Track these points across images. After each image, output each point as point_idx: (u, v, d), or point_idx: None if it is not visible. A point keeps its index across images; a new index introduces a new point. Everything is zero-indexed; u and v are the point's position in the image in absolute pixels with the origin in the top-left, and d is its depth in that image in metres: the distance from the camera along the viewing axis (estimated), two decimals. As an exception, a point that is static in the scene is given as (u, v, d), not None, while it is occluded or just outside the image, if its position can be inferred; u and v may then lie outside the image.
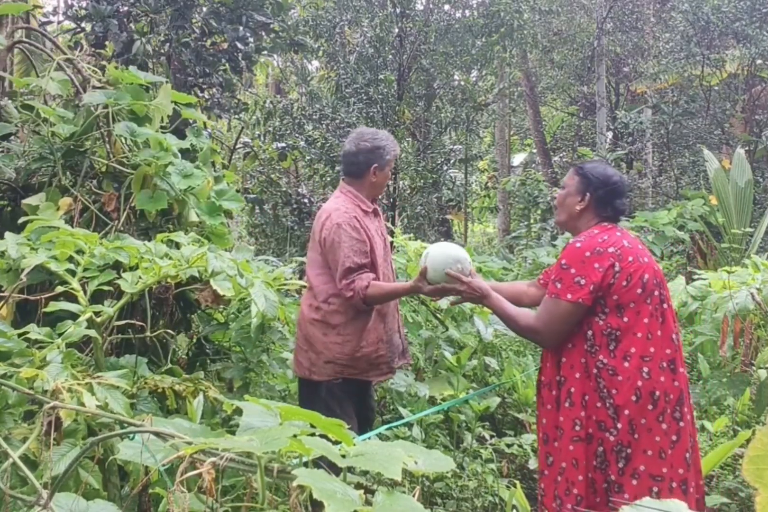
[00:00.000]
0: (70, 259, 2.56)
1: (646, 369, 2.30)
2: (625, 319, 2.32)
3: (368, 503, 1.05)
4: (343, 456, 1.13)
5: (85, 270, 2.54)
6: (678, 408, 2.34)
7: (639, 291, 2.33)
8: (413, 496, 1.09)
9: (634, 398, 2.29)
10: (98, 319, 2.47)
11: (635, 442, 2.28)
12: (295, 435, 1.13)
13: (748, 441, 3.91)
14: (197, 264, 2.61)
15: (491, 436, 3.87)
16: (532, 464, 3.67)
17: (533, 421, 4.19)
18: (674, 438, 2.31)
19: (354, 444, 1.18)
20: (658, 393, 2.30)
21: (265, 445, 1.09)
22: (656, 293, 2.37)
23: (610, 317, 2.32)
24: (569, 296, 2.32)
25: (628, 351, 2.31)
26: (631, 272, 2.33)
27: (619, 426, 2.29)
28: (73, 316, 2.43)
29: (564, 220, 2.62)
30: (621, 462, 2.29)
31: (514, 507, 2.87)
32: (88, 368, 2.49)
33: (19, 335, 2.31)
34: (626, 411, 2.29)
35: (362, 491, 1.06)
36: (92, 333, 2.36)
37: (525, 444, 3.83)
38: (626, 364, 2.30)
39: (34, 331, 2.32)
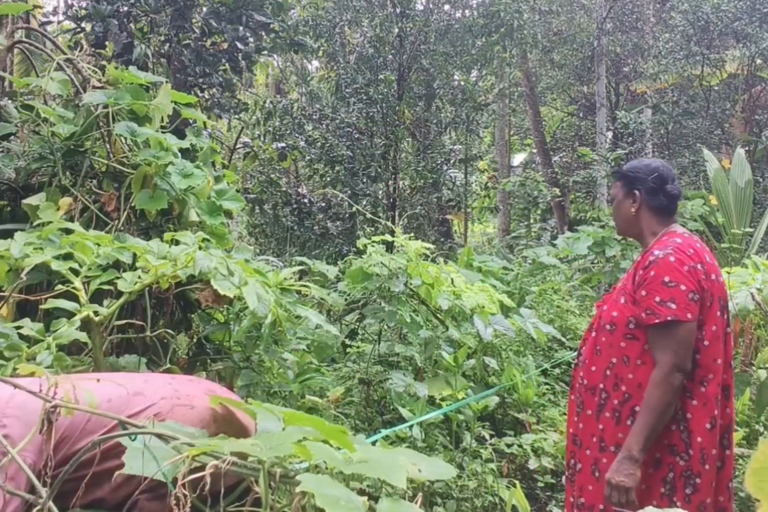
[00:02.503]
0: (72, 258, 2.57)
1: (720, 397, 2.17)
2: (706, 343, 2.15)
3: (371, 509, 1.04)
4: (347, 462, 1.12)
5: (88, 269, 2.55)
6: (726, 436, 2.23)
7: (718, 313, 2.19)
8: (416, 503, 1.08)
9: (708, 426, 2.14)
10: (96, 319, 2.47)
11: (705, 473, 2.14)
12: (300, 440, 1.13)
13: (746, 440, 3.91)
14: (191, 264, 2.61)
15: (491, 436, 3.87)
16: (532, 464, 3.67)
17: (533, 421, 4.20)
18: (719, 464, 2.20)
19: (356, 451, 1.17)
20: (720, 421, 2.19)
21: (270, 450, 1.09)
22: (724, 317, 2.23)
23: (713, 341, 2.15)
24: (689, 316, 2.09)
25: (706, 377, 2.15)
26: (713, 292, 2.18)
27: (691, 452, 2.14)
28: (72, 316, 2.44)
29: (624, 229, 2.46)
30: (689, 488, 2.14)
31: (514, 507, 2.87)
32: (88, 368, 2.49)
33: (16, 328, 2.33)
34: (699, 439, 2.14)
35: (366, 498, 1.06)
36: (82, 336, 2.35)
37: (525, 444, 3.83)
38: (703, 389, 2.15)
39: (27, 326, 2.32)
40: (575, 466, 2.34)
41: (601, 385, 2.24)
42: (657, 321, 2.09)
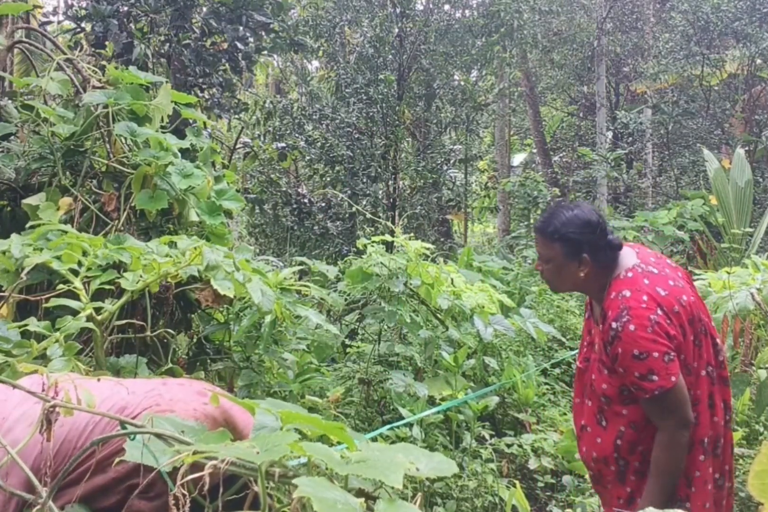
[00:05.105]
0: (63, 260, 2.57)
1: (694, 414, 2.09)
2: (691, 375, 2.10)
3: (369, 510, 1.04)
4: (345, 461, 1.12)
5: (87, 269, 2.56)
6: (718, 444, 2.16)
7: (692, 338, 2.11)
8: (415, 503, 1.08)
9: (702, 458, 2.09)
10: (99, 317, 2.48)
11: (693, 495, 2.10)
12: (299, 439, 1.13)
13: (746, 440, 3.91)
14: (195, 262, 2.62)
15: (491, 436, 3.87)
16: (532, 464, 3.67)
17: (533, 421, 4.20)
18: (717, 476, 2.15)
19: (356, 448, 1.17)
20: (706, 439, 2.11)
21: (266, 453, 1.08)
22: (698, 328, 2.14)
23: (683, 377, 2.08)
24: (673, 379, 2.01)
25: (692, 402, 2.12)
26: (682, 322, 2.08)
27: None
28: (74, 314, 2.45)
29: (567, 290, 2.36)
30: None
31: (514, 507, 2.87)
32: (89, 368, 2.49)
33: (18, 328, 2.34)
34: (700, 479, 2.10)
35: (363, 499, 1.06)
36: (90, 325, 2.37)
37: (525, 444, 3.83)
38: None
39: (33, 324, 2.33)
40: None
41: (615, 454, 2.16)
42: (646, 396, 2.04)
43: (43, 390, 1.48)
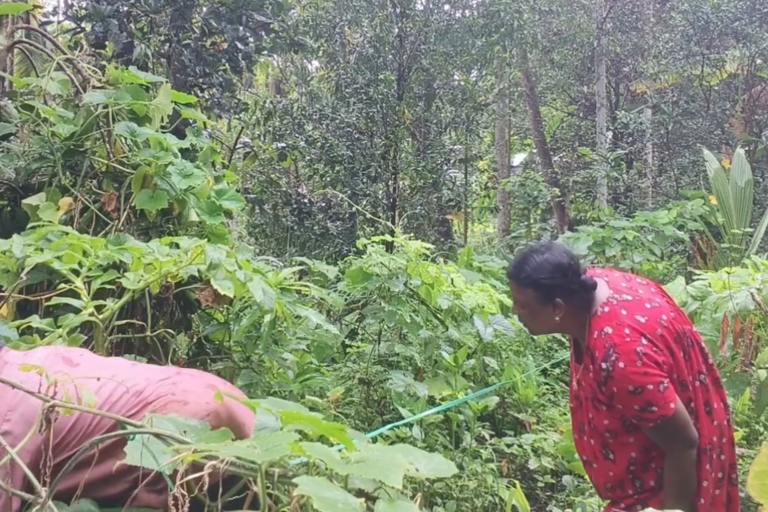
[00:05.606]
0: (64, 260, 2.58)
1: (696, 426, 2.10)
2: (688, 390, 2.12)
3: (369, 510, 1.05)
4: (345, 461, 1.12)
5: (88, 270, 2.57)
6: (721, 445, 2.17)
7: (681, 354, 2.11)
8: (415, 503, 1.08)
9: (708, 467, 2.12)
10: (100, 316, 2.49)
11: (703, 507, 2.12)
12: (299, 439, 1.13)
13: (745, 440, 3.91)
14: (197, 261, 2.63)
15: (491, 436, 3.87)
16: (532, 464, 3.67)
17: (533, 421, 4.20)
18: (720, 475, 2.17)
19: (355, 449, 1.17)
20: (708, 446, 2.12)
21: (266, 453, 1.09)
22: (685, 343, 2.14)
23: (679, 394, 2.09)
24: (672, 405, 2.02)
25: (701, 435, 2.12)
26: (668, 343, 2.08)
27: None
28: (75, 313, 2.46)
29: (546, 333, 2.39)
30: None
31: (514, 507, 2.87)
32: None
33: (19, 326, 2.35)
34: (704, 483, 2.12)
35: (363, 499, 1.06)
36: (93, 318, 2.38)
37: (525, 444, 3.84)
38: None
39: (36, 321, 2.34)
40: None
41: (630, 476, 2.17)
42: (650, 425, 2.05)
43: (47, 386, 1.49)
